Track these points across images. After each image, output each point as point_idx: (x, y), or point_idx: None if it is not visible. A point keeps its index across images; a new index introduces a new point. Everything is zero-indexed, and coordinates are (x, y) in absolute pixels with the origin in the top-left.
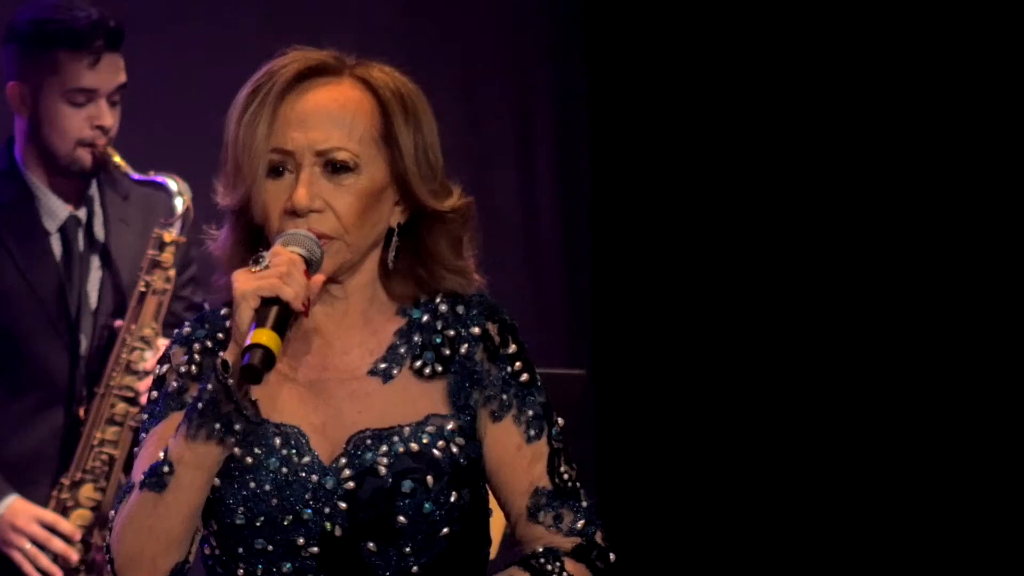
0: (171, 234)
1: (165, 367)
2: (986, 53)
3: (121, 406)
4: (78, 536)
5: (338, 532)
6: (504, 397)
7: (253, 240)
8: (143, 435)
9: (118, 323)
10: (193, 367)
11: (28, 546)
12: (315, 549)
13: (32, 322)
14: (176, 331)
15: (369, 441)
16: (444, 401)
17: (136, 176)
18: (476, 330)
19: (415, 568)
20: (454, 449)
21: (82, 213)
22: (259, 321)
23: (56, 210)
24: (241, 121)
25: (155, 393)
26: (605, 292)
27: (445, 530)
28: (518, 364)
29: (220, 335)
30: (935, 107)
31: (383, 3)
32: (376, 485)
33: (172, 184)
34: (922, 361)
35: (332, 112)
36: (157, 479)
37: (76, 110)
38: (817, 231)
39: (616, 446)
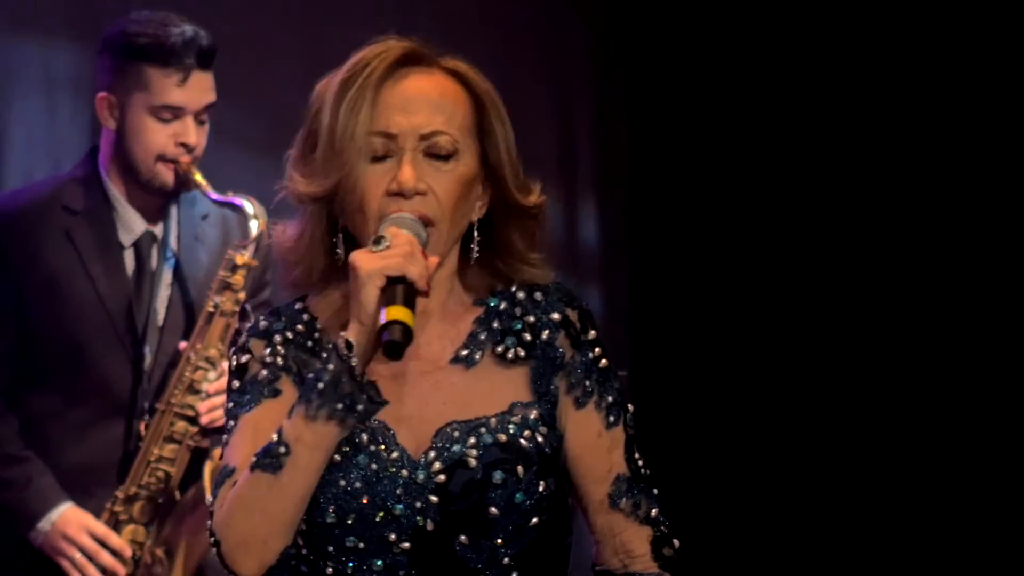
0: (244, 257)
1: (245, 357)
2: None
3: (180, 424)
4: (128, 552)
5: (430, 526)
6: (587, 383)
7: (332, 230)
8: (231, 422)
9: (183, 344)
10: (279, 358)
11: (78, 556)
12: (407, 544)
13: (98, 332)
14: (249, 325)
15: (456, 433)
16: (527, 387)
17: (215, 196)
18: (556, 316)
19: (506, 559)
20: (539, 438)
21: (158, 230)
22: (388, 300)
23: (133, 224)
24: (339, 107)
25: (236, 383)
26: (644, 294)
27: (534, 520)
28: (598, 350)
29: (299, 327)
30: (978, 115)
31: (420, 8)
32: (467, 477)
33: (249, 207)
34: (964, 363)
35: (433, 98)
36: (273, 460)
37: (162, 125)
38: (859, 235)
39: (655, 447)
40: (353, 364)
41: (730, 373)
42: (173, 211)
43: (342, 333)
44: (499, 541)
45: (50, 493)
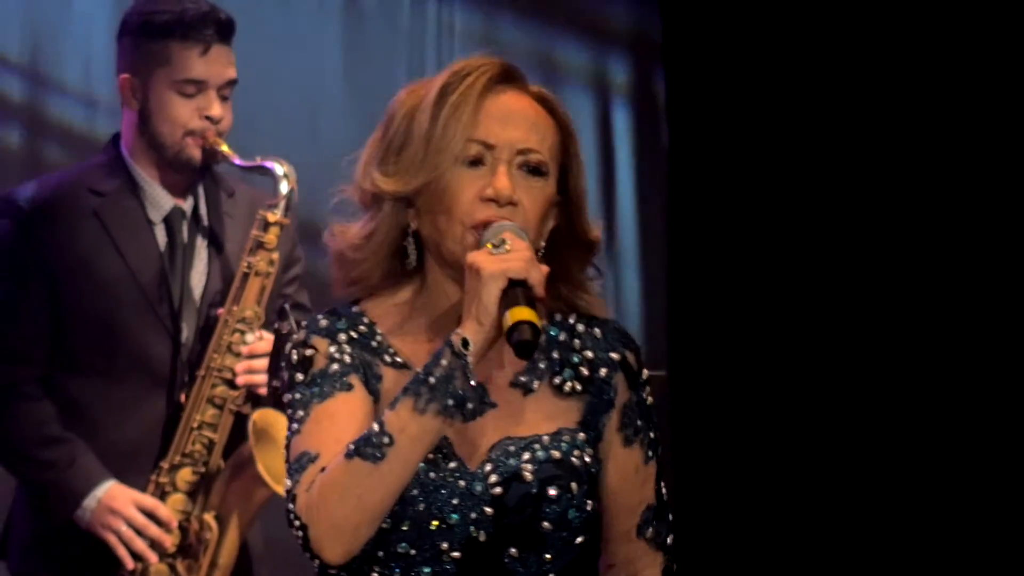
0: (275, 215)
1: (310, 352)
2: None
3: (221, 388)
4: (175, 523)
5: (482, 537)
6: (639, 422)
7: (404, 232)
8: (300, 412)
9: (221, 311)
10: (346, 356)
11: (124, 528)
12: (457, 554)
13: (133, 309)
14: (306, 323)
15: (512, 448)
16: (577, 419)
17: (241, 162)
18: (616, 356)
19: (552, 575)
20: (587, 459)
21: (187, 205)
22: (509, 302)
23: (161, 201)
24: (440, 111)
25: (301, 375)
26: (682, 294)
27: (580, 539)
28: (648, 388)
29: (362, 328)
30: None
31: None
32: (522, 491)
33: (278, 168)
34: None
35: (531, 117)
36: (375, 449)
37: (186, 100)
38: (898, 233)
39: (694, 447)
40: (468, 362)
41: (772, 371)
42: (200, 189)
43: (457, 331)
44: (548, 556)
45: (94, 470)
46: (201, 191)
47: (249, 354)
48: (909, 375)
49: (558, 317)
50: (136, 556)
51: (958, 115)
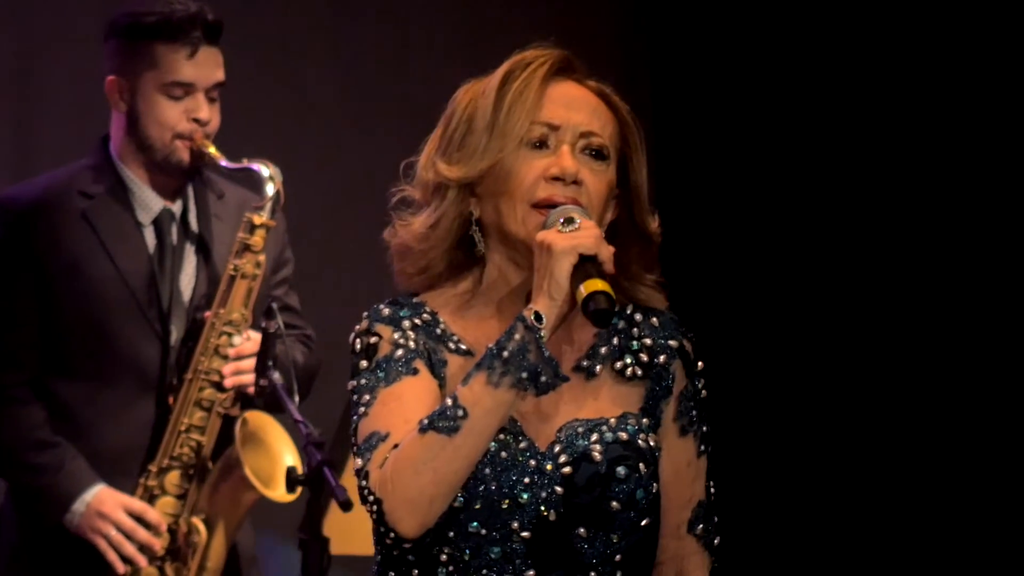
0: (261, 217)
1: (374, 339)
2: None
3: (209, 391)
4: (164, 526)
5: (552, 516)
6: (695, 413)
7: (467, 221)
8: (366, 396)
9: (208, 314)
10: (411, 342)
11: (113, 532)
12: (526, 534)
13: (123, 312)
14: (368, 314)
15: (581, 429)
16: (638, 404)
17: (229, 164)
18: (674, 343)
19: (617, 556)
20: (652, 443)
21: (176, 207)
22: (581, 276)
23: (150, 203)
24: (501, 98)
25: (365, 362)
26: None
27: (645, 520)
28: (703, 380)
29: (425, 316)
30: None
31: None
32: (592, 471)
33: (264, 169)
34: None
35: (592, 103)
36: (449, 423)
37: (174, 103)
38: (886, 234)
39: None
40: (542, 335)
41: (762, 371)
42: (189, 191)
43: (529, 306)
44: (615, 537)
45: (83, 475)
46: (191, 193)
47: (236, 356)
48: (907, 373)
49: (616, 307)
50: (126, 560)
51: (945, 111)
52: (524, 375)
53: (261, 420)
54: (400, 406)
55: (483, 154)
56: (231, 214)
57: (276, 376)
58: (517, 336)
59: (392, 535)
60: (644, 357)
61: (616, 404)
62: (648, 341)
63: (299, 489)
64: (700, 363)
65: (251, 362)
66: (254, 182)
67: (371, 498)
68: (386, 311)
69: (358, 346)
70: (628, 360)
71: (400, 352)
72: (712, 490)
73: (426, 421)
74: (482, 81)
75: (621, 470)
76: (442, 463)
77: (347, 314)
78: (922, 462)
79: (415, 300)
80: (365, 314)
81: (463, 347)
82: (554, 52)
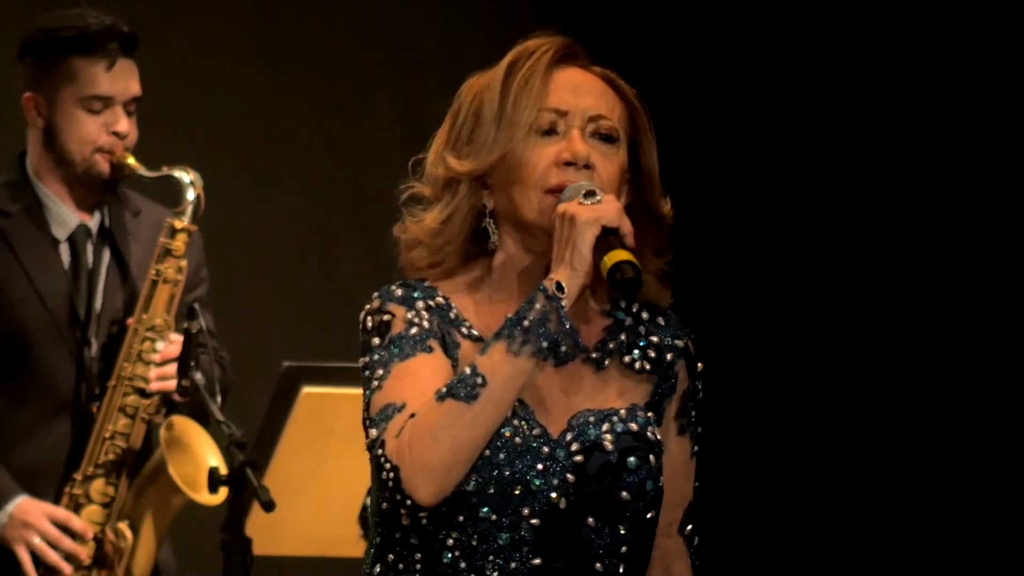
0: (182, 221)
1: (387, 317)
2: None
3: (133, 397)
4: (90, 534)
5: (563, 504)
6: (693, 413)
7: (480, 213)
8: (379, 371)
9: (131, 320)
10: (425, 322)
11: (36, 541)
12: (536, 521)
13: (40, 330)
14: (379, 294)
15: (592, 419)
16: (645, 399)
17: (148, 173)
18: (680, 343)
19: (623, 548)
20: (659, 436)
21: (93, 222)
22: (604, 248)
23: (66, 219)
24: (507, 89)
25: (378, 340)
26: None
27: (651, 513)
28: (701, 382)
29: (439, 299)
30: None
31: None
32: (603, 460)
33: (184, 176)
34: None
35: (598, 87)
36: (468, 390)
37: (92, 117)
38: (884, 235)
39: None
40: (563, 305)
41: (762, 371)
42: (105, 206)
43: (550, 276)
44: (623, 527)
45: (4, 487)
46: (107, 209)
47: (162, 360)
48: (906, 373)
49: (622, 303)
50: (50, 570)
51: (945, 109)
52: (544, 344)
53: (185, 425)
54: (415, 380)
55: (493, 146)
56: (147, 232)
57: (199, 376)
58: (538, 305)
59: (408, 502)
60: (652, 354)
61: (624, 396)
62: (655, 339)
63: (223, 490)
64: (700, 364)
65: (175, 366)
66: (174, 193)
67: (387, 466)
68: (399, 292)
69: (369, 324)
70: (636, 355)
71: (415, 330)
72: (697, 488)
73: (444, 389)
74: (486, 74)
75: (632, 460)
76: (460, 430)
77: (269, 309)
78: (921, 462)
79: (427, 284)
80: (376, 294)
81: (475, 333)
82: (557, 39)
